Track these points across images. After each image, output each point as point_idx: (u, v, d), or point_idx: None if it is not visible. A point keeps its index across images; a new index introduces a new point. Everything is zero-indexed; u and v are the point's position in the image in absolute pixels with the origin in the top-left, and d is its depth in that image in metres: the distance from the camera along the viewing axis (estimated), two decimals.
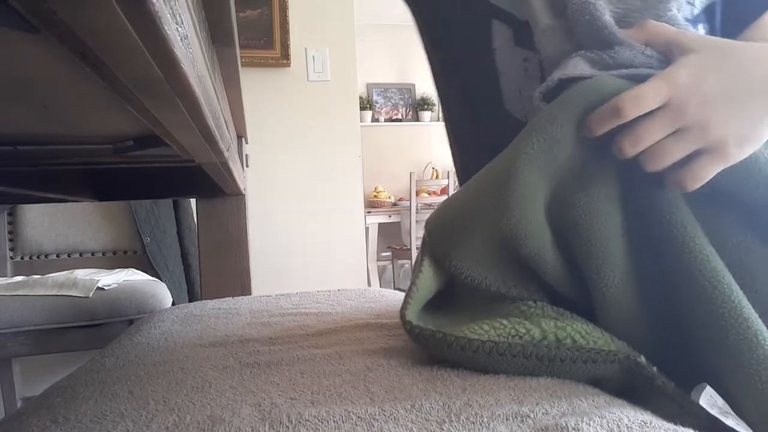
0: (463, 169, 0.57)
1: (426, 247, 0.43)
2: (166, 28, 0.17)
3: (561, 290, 0.36)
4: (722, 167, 0.33)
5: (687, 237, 0.32)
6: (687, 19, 0.43)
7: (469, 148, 0.51)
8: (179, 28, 0.19)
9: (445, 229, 0.41)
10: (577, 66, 0.38)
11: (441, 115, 0.58)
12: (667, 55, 0.37)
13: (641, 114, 0.33)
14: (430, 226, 0.43)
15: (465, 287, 0.40)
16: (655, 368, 0.30)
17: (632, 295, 0.34)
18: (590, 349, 0.31)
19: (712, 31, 0.46)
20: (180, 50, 0.19)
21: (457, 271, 0.39)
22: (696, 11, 0.44)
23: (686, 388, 0.30)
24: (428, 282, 0.41)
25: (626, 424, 0.26)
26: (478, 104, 0.50)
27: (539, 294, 0.37)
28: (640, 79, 0.35)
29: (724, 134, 0.33)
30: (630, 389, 0.32)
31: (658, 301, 0.34)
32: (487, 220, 0.37)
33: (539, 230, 0.36)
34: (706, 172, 0.33)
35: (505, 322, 0.34)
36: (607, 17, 0.38)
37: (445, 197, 3.50)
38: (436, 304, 0.43)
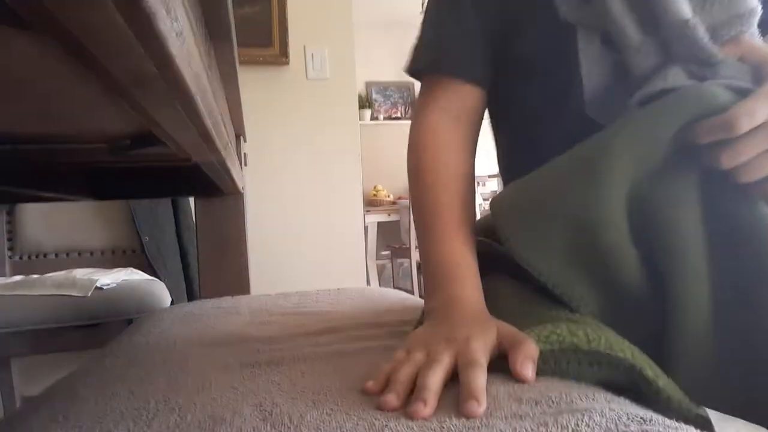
0: (516, 168, 0.55)
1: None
2: (160, 24, 0.17)
3: (631, 286, 0.37)
4: None
5: None
6: None
7: (532, 148, 0.50)
8: (174, 24, 0.19)
9: (513, 210, 0.41)
10: (677, 77, 0.39)
11: (489, 120, 0.57)
12: (760, 70, 0.38)
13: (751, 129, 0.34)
14: (494, 204, 0.43)
15: (497, 286, 0.41)
16: (661, 382, 0.30)
17: (707, 290, 0.34)
18: (594, 351, 0.31)
19: None
20: (175, 47, 0.19)
21: (512, 251, 0.40)
22: (752, 28, 0.46)
23: (734, 404, 0.30)
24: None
25: (624, 422, 0.26)
26: (552, 108, 0.49)
27: (582, 298, 0.38)
28: (743, 92, 0.36)
29: None
30: (638, 394, 0.32)
31: (735, 298, 0.34)
32: (570, 205, 0.37)
33: (622, 220, 0.37)
34: None
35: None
36: (705, 39, 0.39)
37: None
38: None
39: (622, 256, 0.36)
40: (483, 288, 0.45)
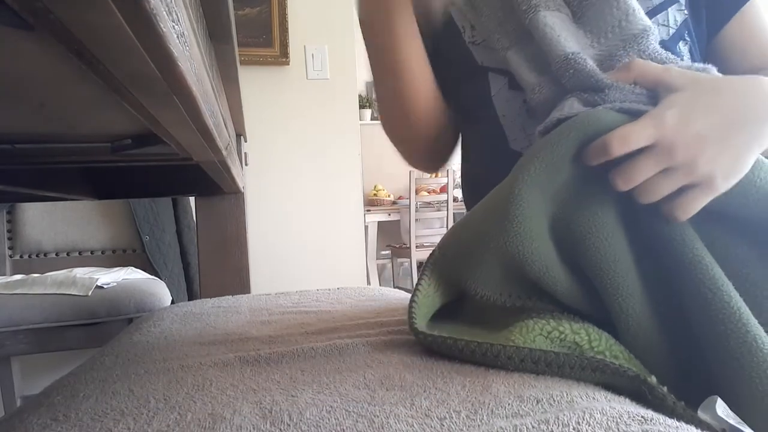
0: (471, 202, 0.59)
1: (427, 266, 0.45)
2: (162, 25, 0.17)
3: (574, 306, 0.37)
4: (710, 198, 0.35)
5: (686, 248, 0.33)
6: (663, 40, 0.46)
7: (485, 189, 0.53)
8: (175, 26, 0.19)
9: (457, 252, 0.42)
10: (573, 106, 0.40)
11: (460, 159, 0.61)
12: (654, 91, 0.38)
13: (628, 152, 0.35)
14: (443, 249, 0.45)
15: (481, 301, 0.42)
16: (665, 388, 0.30)
17: (645, 304, 0.34)
18: (600, 360, 0.32)
19: (692, 44, 0.48)
20: (176, 48, 0.19)
21: (471, 291, 0.41)
22: (672, 31, 0.47)
23: (695, 402, 0.30)
24: (427, 300, 0.43)
25: (626, 421, 0.26)
26: (488, 147, 0.52)
27: (553, 308, 0.38)
28: (635, 113, 0.36)
29: (711, 170, 0.34)
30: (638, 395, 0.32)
31: (669, 311, 0.34)
32: (494, 242, 0.38)
33: (545, 248, 0.36)
34: (696, 204, 0.35)
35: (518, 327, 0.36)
36: (590, 66, 0.40)
37: (444, 196, 3.49)
38: (450, 314, 0.45)
39: (553, 283, 0.36)
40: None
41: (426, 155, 0.60)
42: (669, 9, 0.47)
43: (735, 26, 0.51)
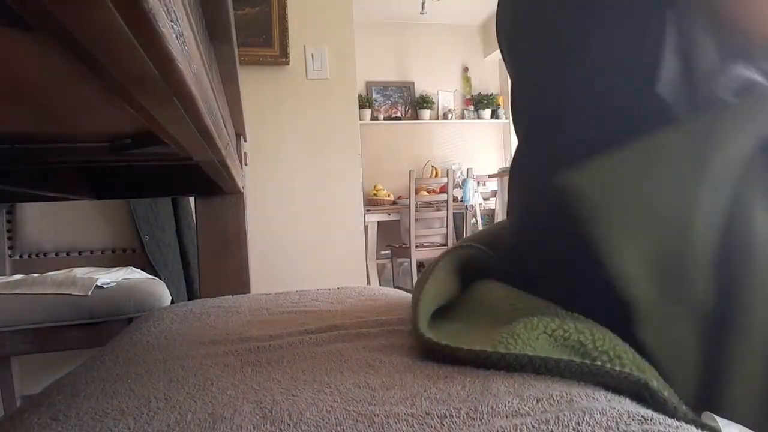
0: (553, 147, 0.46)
1: (438, 266, 0.43)
2: (160, 25, 0.17)
3: (698, 293, 0.33)
4: None
5: None
6: None
7: (580, 125, 0.43)
8: (174, 26, 0.19)
9: (610, 200, 0.36)
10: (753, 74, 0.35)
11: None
12: None
13: None
14: (586, 187, 0.38)
15: (489, 287, 0.41)
16: (666, 392, 0.29)
17: None
18: (599, 366, 0.31)
19: None
20: (175, 48, 0.19)
21: (597, 249, 0.35)
22: None
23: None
24: (430, 300, 0.42)
25: (626, 421, 0.26)
26: (611, 80, 0.42)
27: (562, 312, 0.36)
28: None
29: None
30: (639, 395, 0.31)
31: None
32: (665, 219, 0.34)
33: (713, 222, 0.33)
34: None
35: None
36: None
37: (444, 195, 3.47)
38: (449, 311, 0.44)
39: (703, 276, 0.32)
40: (472, 290, 0.44)
41: None
42: None
43: None
